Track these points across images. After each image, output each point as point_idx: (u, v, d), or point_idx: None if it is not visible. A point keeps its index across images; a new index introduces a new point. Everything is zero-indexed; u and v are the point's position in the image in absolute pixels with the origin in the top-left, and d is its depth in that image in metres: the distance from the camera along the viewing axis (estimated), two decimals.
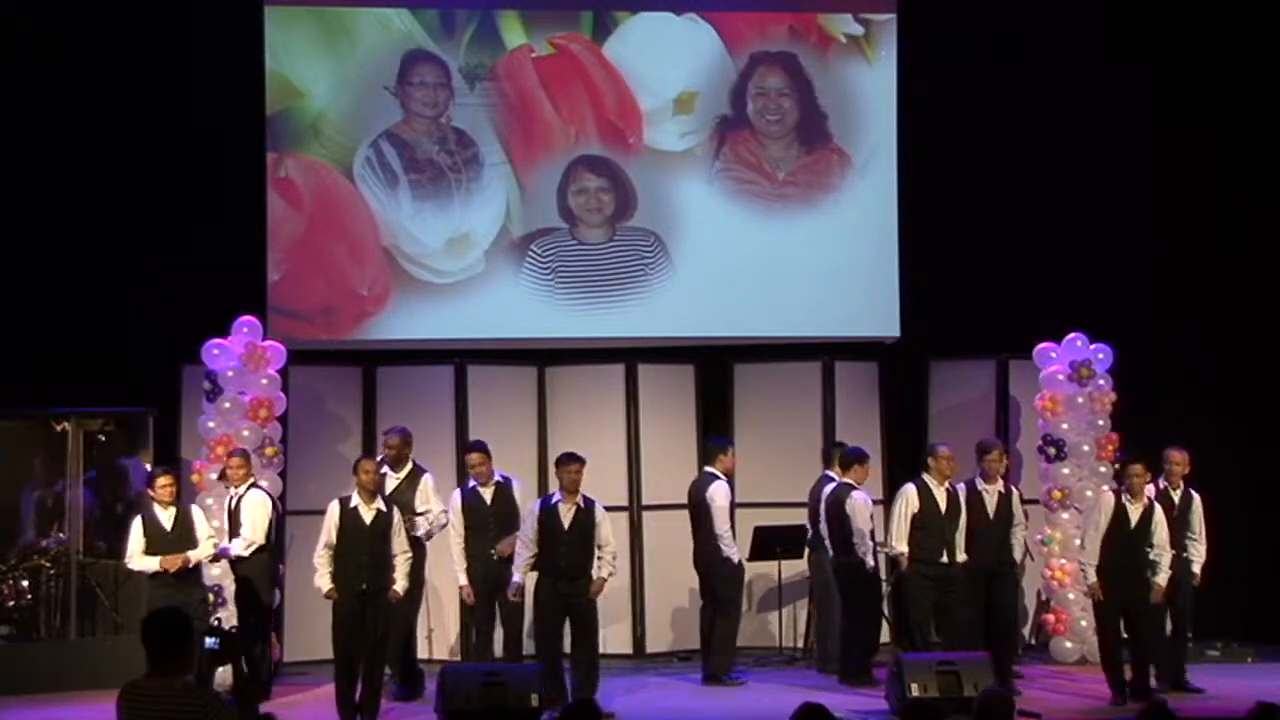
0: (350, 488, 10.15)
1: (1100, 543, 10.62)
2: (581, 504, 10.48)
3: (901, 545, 10.83)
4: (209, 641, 5.69)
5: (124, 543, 10.65)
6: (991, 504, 11.00)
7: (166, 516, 10.43)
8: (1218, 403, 12.94)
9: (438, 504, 11.10)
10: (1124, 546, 10.60)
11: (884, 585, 11.95)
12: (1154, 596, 10.65)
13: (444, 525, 11.02)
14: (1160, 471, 11.12)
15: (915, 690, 9.79)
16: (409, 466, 11.17)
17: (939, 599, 10.79)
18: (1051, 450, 12.39)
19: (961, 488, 10.98)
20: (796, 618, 12.79)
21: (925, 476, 10.93)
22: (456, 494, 11.13)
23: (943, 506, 10.83)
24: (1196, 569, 11.10)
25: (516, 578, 10.49)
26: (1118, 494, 10.75)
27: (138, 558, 10.40)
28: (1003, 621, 10.98)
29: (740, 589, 11.77)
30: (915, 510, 10.82)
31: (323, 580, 10.00)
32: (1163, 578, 10.65)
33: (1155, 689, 10.61)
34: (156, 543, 10.40)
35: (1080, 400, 12.43)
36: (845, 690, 11.02)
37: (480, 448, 11.12)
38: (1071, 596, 12.17)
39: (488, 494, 11.00)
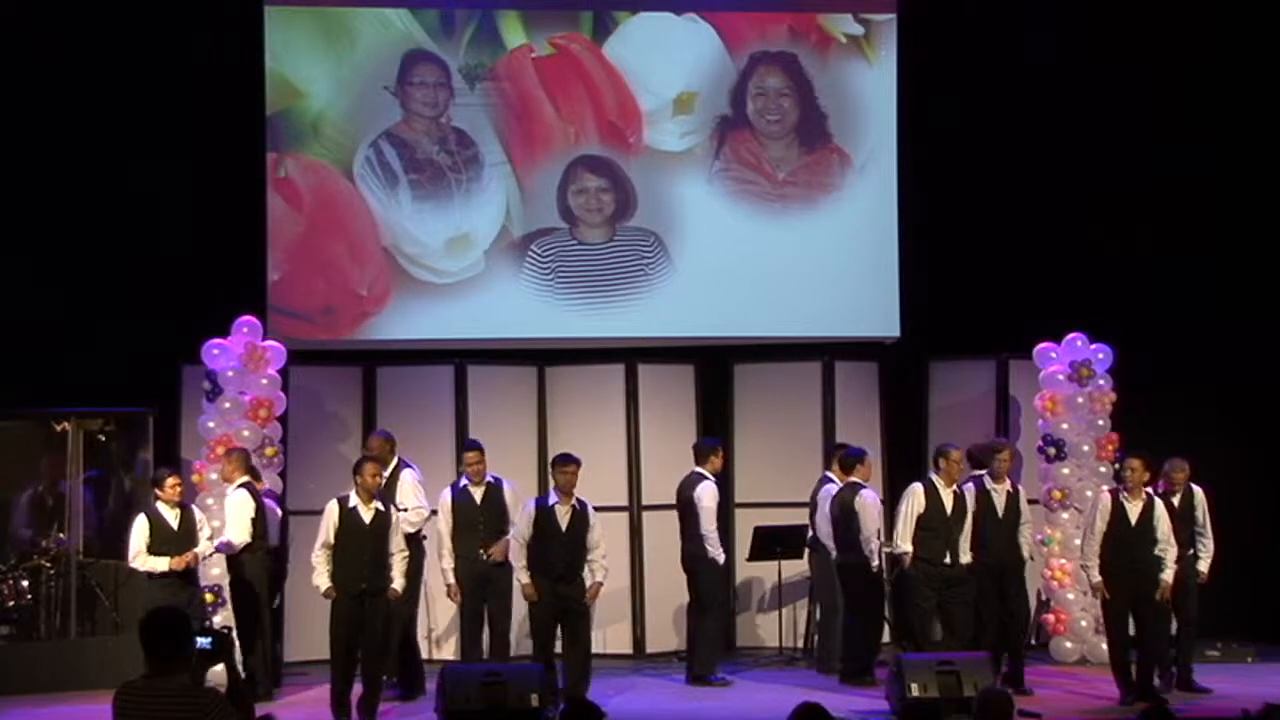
0: (350, 488, 10.13)
1: (1101, 542, 10.61)
2: (577, 505, 10.51)
3: (906, 544, 10.82)
4: (201, 641, 5.68)
5: (125, 542, 10.65)
6: (1000, 503, 11.02)
7: (173, 516, 10.45)
8: (1218, 402, 12.93)
9: (414, 500, 11.01)
10: (1126, 544, 10.56)
11: (885, 585, 11.96)
12: (1160, 594, 10.58)
13: (426, 519, 10.96)
14: (1159, 474, 11.10)
15: (915, 690, 9.78)
16: (392, 466, 11.14)
17: (942, 599, 10.79)
18: (1051, 450, 12.40)
19: (970, 487, 10.99)
20: (796, 618, 12.79)
21: (933, 476, 10.93)
22: (446, 492, 11.06)
23: (948, 508, 10.82)
24: (1203, 566, 11.03)
25: (524, 578, 10.46)
26: (1114, 493, 10.72)
27: (143, 557, 10.37)
28: (1013, 618, 11.06)
29: (722, 589, 11.76)
30: (920, 510, 10.82)
31: (321, 579, 9.97)
32: (1169, 574, 10.57)
33: (1160, 688, 10.61)
34: (162, 541, 10.39)
35: (1080, 400, 12.43)
36: (845, 690, 11.02)
37: (477, 446, 11.11)
38: (1071, 596, 12.17)
39: (478, 493, 10.95)
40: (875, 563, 11.27)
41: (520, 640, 11.54)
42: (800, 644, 12.70)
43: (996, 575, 10.96)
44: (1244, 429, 12.81)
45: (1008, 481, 11.14)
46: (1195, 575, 11.02)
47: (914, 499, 10.85)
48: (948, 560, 10.77)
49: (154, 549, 10.37)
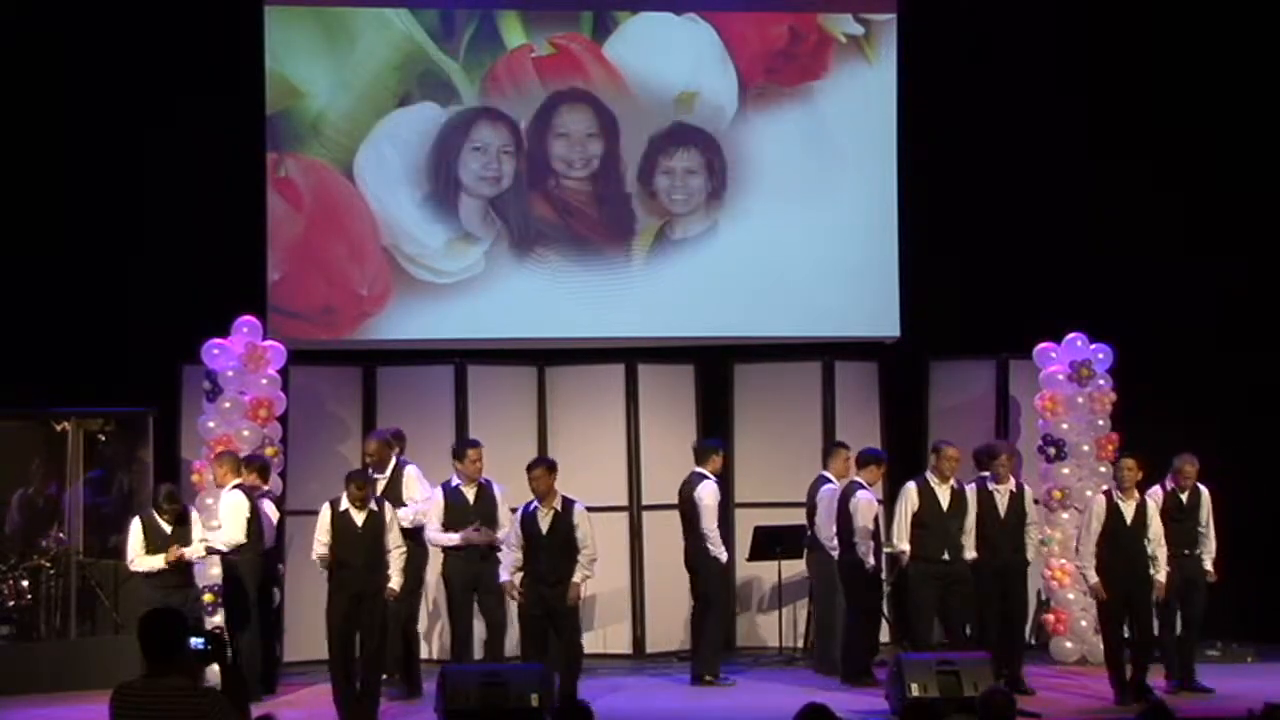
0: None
1: (1096, 543, 10.64)
2: (559, 508, 10.41)
3: (903, 544, 10.86)
4: (195, 642, 5.68)
5: (123, 544, 10.73)
6: (1002, 503, 11.01)
7: (166, 520, 10.54)
8: (1217, 402, 12.92)
9: (421, 492, 11.08)
10: (1122, 545, 10.61)
11: (884, 584, 11.96)
12: (1155, 593, 10.64)
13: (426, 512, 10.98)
14: (1163, 473, 11.09)
15: (915, 690, 9.77)
16: (391, 465, 11.18)
17: (943, 596, 10.80)
18: (1051, 450, 12.40)
19: (971, 487, 10.99)
20: (796, 618, 12.78)
21: (928, 474, 10.95)
22: (438, 490, 11.07)
23: (945, 504, 10.84)
24: (1208, 564, 11.03)
25: (504, 577, 10.52)
26: (1109, 494, 10.77)
27: (141, 558, 10.52)
28: (1012, 619, 11.05)
29: (723, 588, 11.75)
30: (915, 508, 10.84)
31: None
32: (1162, 574, 10.63)
33: (1162, 688, 10.64)
34: (156, 543, 10.50)
35: (1080, 400, 12.42)
36: (845, 690, 11.02)
37: (479, 445, 11.11)
38: (1071, 596, 12.17)
39: (470, 493, 10.96)
40: (870, 562, 11.26)
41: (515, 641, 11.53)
42: (800, 644, 12.70)
43: (999, 575, 10.96)
44: (1243, 429, 12.79)
45: (1011, 481, 11.14)
46: (1203, 574, 11.01)
47: (908, 498, 10.90)
48: (946, 557, 10.78)
49: (149, 550, 10.49)
